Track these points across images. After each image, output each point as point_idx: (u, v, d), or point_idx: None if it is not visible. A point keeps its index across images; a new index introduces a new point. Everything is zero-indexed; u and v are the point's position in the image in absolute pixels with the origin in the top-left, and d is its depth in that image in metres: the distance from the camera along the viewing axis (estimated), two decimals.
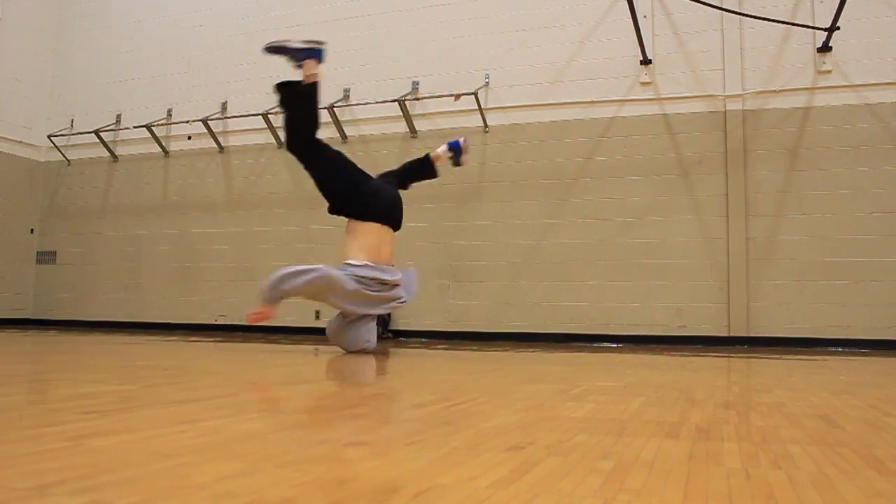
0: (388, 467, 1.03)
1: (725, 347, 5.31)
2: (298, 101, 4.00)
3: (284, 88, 4.01)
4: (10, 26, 7.85)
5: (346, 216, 4.03)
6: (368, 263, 3.86)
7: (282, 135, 6.99)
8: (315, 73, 4.01)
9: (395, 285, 4.01)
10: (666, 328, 5.70)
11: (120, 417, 1.49)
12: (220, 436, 1.26)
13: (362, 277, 3.82)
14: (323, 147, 4.08)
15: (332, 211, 4.11)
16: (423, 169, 4.59)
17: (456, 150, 4.61)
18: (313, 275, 3.65)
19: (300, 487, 0.90)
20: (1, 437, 1.24)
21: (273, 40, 4.13)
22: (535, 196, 6.16)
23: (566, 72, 6.22)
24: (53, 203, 8.12)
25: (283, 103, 4.06)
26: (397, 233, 4.17)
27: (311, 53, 4.04)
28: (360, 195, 4.00)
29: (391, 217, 4.07)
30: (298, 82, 4.00)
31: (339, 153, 4.14)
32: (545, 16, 6.34)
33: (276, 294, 3.69)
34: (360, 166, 4.17)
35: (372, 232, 3.96)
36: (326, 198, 4.09)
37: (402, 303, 4.11)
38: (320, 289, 3.72)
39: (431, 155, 4.60)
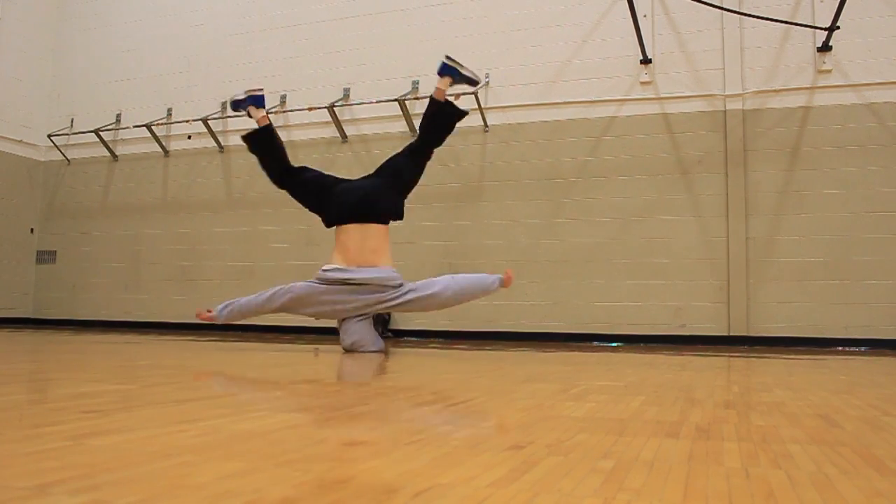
0: (388, 467, 1.03)
1: (725, 347, 5.31)
2: (261, 146, 4.37)
3: (246, 140, 4.42)
4: (10, 26, 7.85)
5: (328, 227, 4.23)
6: (337, 266, 3.97)
7: (282, 134, 7.03)
8: (263, 117, 4.40)
9: (372, 284, 3.93)
10: (666, 328, 5.70)
11: (120, 417, 1.49)
12: (220, 435, 1.26)
13: (325, 280, 3.95)
14: (299, 173, 4.36)
15: (326, 225, 4.28)
16: (436, 114, 4.35)
17: (454, 75, 4.38)
18: (252, 298, 4.08)
19: (300, 486, 0.90)
20: (1, 436, 1.24)
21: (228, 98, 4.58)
22: (535, 195, 6.16)
23: (566, 71, 6.22)
24: (53, 202, 8.12)
25: (253, 151, 4.44)
26: (397, 224, 4.25)
27: (253, 101, 4.49)
28: (327, 203, 4.18)
29: (356, 212, 4.06)
30: (254, 130, 4.38)
31: (308, 173, 4.37)
32: (545, 15, 6.34)
33: (225, 315, 4.10)
34: (340, 172, 4.49)
35: (342, 233, 4.07)
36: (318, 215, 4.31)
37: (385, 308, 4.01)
38: (285, 305, 4.03)
39: (435, 95, 4.35)
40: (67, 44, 8.29)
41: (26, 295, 8.01)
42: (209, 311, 4.14)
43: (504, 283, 4.04)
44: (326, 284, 3.96)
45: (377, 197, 4.11)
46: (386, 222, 4.11)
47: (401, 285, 3.98)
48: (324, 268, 4.02)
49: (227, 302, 4.15)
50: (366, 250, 3.99)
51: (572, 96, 6.16)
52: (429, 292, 3.93)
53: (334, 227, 4.14)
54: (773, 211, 5.57)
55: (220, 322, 4.13)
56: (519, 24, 6.42)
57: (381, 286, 3.95)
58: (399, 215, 4.20)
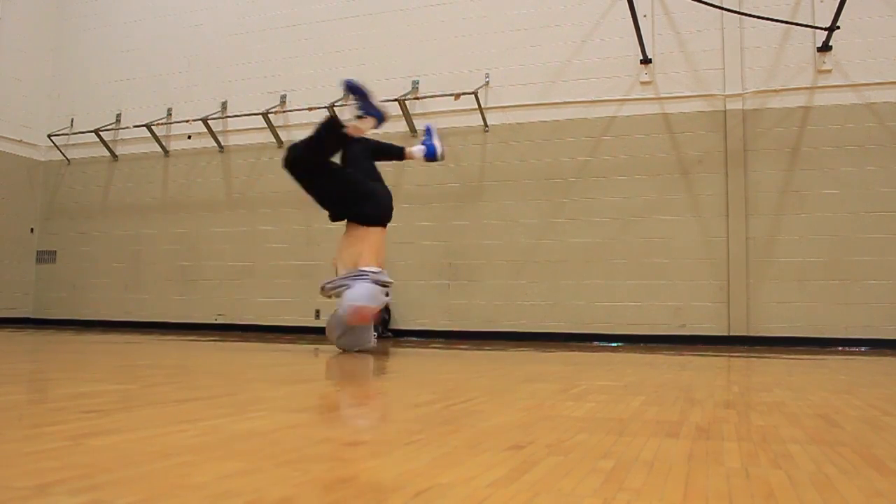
0: (387, 467, 1.03)
1: (725, 347, 5.31)
2: (329, 141, 3.98)
3: (329, 126, 3.97)
4: (10, 26, 7.85)
5: (354, 221, 4.03)
6: (381, 269, 3.95)
7: (282, 134, 7.04)
8: (361, 131, 3.98)
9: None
10: (666, 328, 5.70)
11: (120, 416, 1.49)
12: (220, 435, 1.26)
13: (383, 283, 3.92)
14: (327, 168, 4.07)
15: (335, 218, 4.13)
16: (393, 158, 4.52)
17: (431, 158, 4.45)
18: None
19: (300, 486, 0.90)
20: (1, 436, 1.24)
21: (359, 85, 4.05)
22: (535, 195, 6.16)
23: (566, 71, 6.22)
24: (53, 202, 8.12)
25: (320, 134, 3.97)
26: (396, 224, 4.31)
27: (375, 114, 3.98)
28: (367, 198, 4.04)
29: (389, 217, 4.10)
30: (343, 127, 3.94)
31: (339, 166, 4.18)
32: (545, 15, 6.34)
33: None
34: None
35: (377, 234, 4.01)
36: (329, 207, 4.11)
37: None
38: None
39: (406, 152, 4.44)
40: (67, 44, 8.29)
41: (26, 295, 8.01)
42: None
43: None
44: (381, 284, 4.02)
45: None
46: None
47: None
48: (370, 269, 3.94)
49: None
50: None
51: (572, 96, 6.16)
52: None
53: (364, 227, 4.06)
54: (773, 211, 5.57)
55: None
56: (519, 24, 6.42)
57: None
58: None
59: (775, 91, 5.67)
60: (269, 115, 6.96)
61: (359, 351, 3.96)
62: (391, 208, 4.12)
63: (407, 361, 3.64)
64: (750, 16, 5.49)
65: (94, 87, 8.03)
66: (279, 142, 7.04)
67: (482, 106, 6.28)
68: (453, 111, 6.41)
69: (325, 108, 6.67)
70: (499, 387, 2.26)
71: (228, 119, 7.27)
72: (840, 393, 2.18)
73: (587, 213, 6.01)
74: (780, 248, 5.53)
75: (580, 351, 4.66)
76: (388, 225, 4.15)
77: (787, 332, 5.43)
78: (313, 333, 6.24)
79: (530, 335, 5.90)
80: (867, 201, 5.38)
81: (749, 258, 5.57)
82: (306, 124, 6.91)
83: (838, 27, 5.27)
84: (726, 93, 5.76)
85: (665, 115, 5.90)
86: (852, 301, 5.34)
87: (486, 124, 6.35)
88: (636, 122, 5.97)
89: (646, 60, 5.96)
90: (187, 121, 7.25)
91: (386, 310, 5.70)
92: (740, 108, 5.71)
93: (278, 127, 7.04)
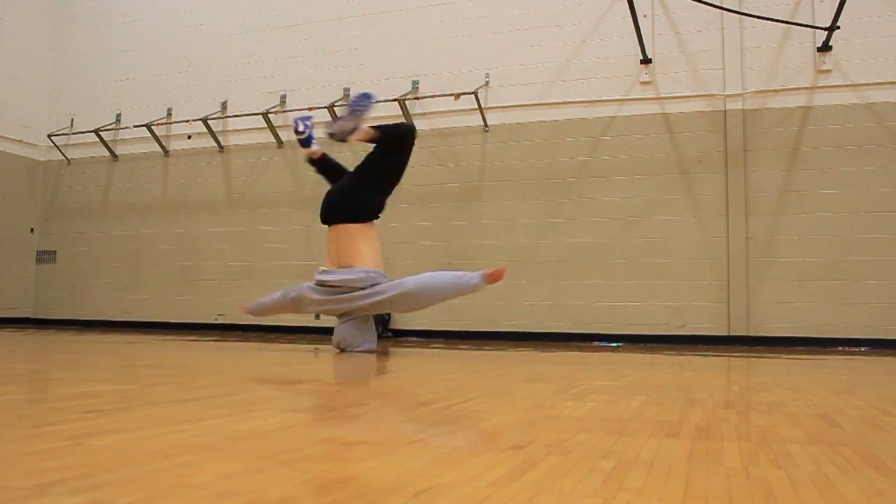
0: (388, 467, 1.03)
1: (725, 347, 5.31)
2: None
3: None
4: (10, 26, 7.85)
5: None
6: (322, 268, 4.04)
7: (282, 134, 7.04)
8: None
9: (343, 286, 3.88)
10: (666, 327, 5.70)
11: (120, 416, 1.49)
12: (220, 435, 1.26)
13: (316, 281, 4.01)
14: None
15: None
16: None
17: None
18: (279, 294, 4.24)
19: (300, 486, 0.90)
20: (1, 436, 1.24)
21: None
22: (535, 195, 6.16)
23: (566, 71, 6.22)
24: (53, 202, 8.12)
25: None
26: (395, 225, 4.32)
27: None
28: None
29: (325, 214, 4.12)
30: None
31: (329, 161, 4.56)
32: (545, 15, 6.34)
33: (255, 310, 4.41)
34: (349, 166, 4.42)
35: (328, 233, 4.13)
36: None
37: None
38: (294, 303, 4.12)
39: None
40: (67, 44, 8.29)
41: (26, 295, 8.00)
42: (247, 306, 4.48)
43: (488, 280, 3.69)
44: (316, 285, 4.00)
45: (342, 197, 4.06)
46: (355, 221, 3.98)
47: (373, 286, 3.84)
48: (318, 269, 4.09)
49: (258, 300, 4.44)
50: (341, 251, 3.95)
51: (572, 96, 6.16)
52: (396, 293, 3.77)
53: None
54: (773, 211, 5.57)
55: (254, 315, 4.48)
56: (519, 24, 6.41)
57: (351, 288, 3.87)
58: (368, 213, 4.03)
59: (775, 91, 5.67)
60: (269, 115, 6.96)
61: (358, 351, 3.96)
62: (324, 206, 4.14)
63: (407, 361, 3.64)
64: (750, 16, 5.49)
65: (94, 87, 8.03)
66: (279, 142, 7.04)
67: (482, 106, 6.28)
68: (453, 111, 6.41)
69: (325, 107, 6.68)
70: (499, 387, 2.26)
71: (228, 119, 7.27)
72: (840, 393, 2.18)
73: (587, 213, 6.01)
74: (780, 248, 5.53)
75: (580, 351, 4.66)
76: (388, 224, 4.20)
77: (788, 332, 5.43)
78: (313, 333, 6.24)
79: (530, 335, 5.90)
80: (867, 201, 5.38)
81: (749, 258, 5.57)
82: None
83: (838, 27, 5.27)
84: (726, 93, 5.76)
85: (665, 115, 5.90)
86: (852, 301, 5.34)
87: (486, 124, 6.35)
88: (636, 122, 5.97)
89: (646, 60, 5.96)
90: (187, 121, 7.25)
91: None
92: (740, 108, 5.71)
93: (278, 127, 7.04)
